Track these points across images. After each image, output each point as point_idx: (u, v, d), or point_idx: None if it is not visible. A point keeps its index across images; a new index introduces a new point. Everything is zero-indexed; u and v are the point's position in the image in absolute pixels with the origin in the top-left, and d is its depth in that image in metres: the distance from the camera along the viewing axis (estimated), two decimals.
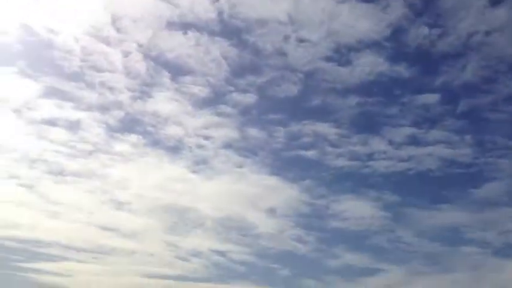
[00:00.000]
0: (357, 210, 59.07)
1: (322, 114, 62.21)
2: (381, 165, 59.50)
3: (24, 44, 58.92)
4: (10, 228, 57.71)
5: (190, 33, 61.83)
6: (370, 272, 57.39)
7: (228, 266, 60.00)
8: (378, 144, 60.06)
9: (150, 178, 61.65)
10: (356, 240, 59.55)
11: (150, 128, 61.79)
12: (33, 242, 58.45)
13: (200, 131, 61.79)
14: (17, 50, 58.84)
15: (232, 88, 62.31)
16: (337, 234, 59.88)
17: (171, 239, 61.43)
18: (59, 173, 59.40)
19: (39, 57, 60.76)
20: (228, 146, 61.74)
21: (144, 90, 61.43)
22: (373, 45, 60.12)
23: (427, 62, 60.19)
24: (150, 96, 61.61)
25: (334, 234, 60.09)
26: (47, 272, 59.24)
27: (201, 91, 61.52)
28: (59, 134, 59.53)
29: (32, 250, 58.39)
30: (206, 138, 61.84)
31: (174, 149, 61.70)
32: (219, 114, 62.00)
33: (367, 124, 62.32)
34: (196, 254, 60.90)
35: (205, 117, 62.07)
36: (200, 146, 61.55)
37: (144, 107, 61.46)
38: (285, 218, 60.75)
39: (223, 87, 62.45)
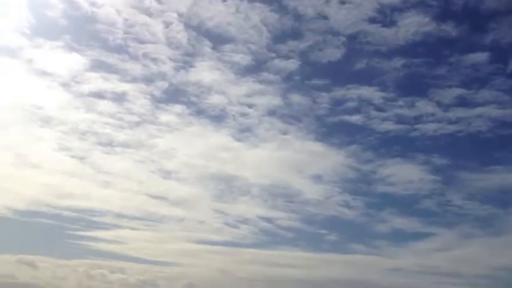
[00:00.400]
0: (405, 174, 58.36)
1: (366, 77, 61.07)
2: (429, 128, 58.41)
3: (68, 18, 59.81)
4: (65, 198, 59.93)
5: (229, 1, 61.35)
6: (420, 236, 57.01)
7: (275, 232, 60.70)
8: (425, 106, 58.82)
9: (195, 147, 62.48)
10: (404, 204, 59.05)
11: (193, 98, 62.20)
12: (88, 211, 60.59)
13: (243, 99, 61.78)
14: (62, 24, 59.84)
15: (273, 55, 61.66)
16: (385, 198, 59.52)
17: (219, 206, 62.32)
18: (108, 144, 60.95)
19: (84, 31, 61.77)
20: (271, 113, 61.72)
21: (186, 60, 61.63)
22: (419, 4, 58.23)
23: (475, 19, 57.84)
24: (192, 66, 61.81)
25: (382, 199, 59.75)
26: (102, 240, 61.47)
27: (242, 59, 61.24)
28: (107, 106, 60.91)
29: (87, 219, 60.52)
30: (249, 106, 61.89)
31: (218, 117, 62.09)
32: (261, 82, 61.70)
33: (413, 86, 60.98)
34: (244, 220, 61.65)
35: (248, 85, 61.85)
36: (244, 114, 61.69)
37: (187, 77, 61.80)
38: (331, 184, 60.69)
39: (265, 54, 61.86)
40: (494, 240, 53.25)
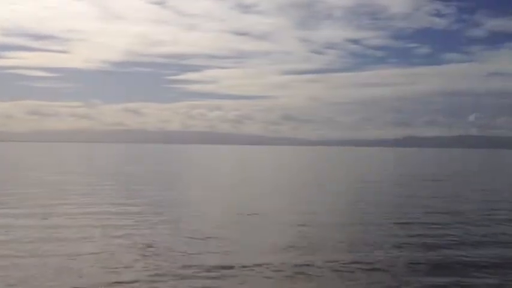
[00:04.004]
0: None
1: None
2: None
3: None
4: (156, 45, 60.85)
5: None
6: None
7: (363, 53, 58.73)
8: None
9: None
10: (500, 3, 48.50)
11: None
12: (178, 55, 61.34)
13: None
14: None
15: None
16: (478, 1, 48.87)
17: (303, 34, 60.11)
18: None
19: None
20: None
21: None
22: None
23: None
24: None
25: (476, 2, 49.67)
26: (196, 82, 62.75)
27: None
28: None
29: (179, 63, 61.30)
30: None
31: None
32: None
33: None
34: (331, 45, 60.11)
35: None
36: None
37: None
38: None
39: None
40: None
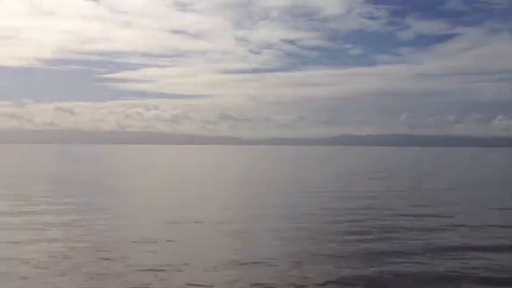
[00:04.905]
0: None
1: None
2: None
3: None
4: (88, 43, 57.37)
5: None
6: (445, 38, 53.55)
7: (299, 53, 58.55)
8: None
9: None
10: (429, 7, 52.28)
11: None
12: (113, 53, 58.37)
13: None
14: None
15: None
16: (408, 4, 52.58)
17: (240, 34, 59.46)
18: None
19: None
20: None
21: None
22: None
23: None
24: None
25: (406, 5, 53.06)
26: (132, 80, 59.51)
27: None
28: None
29: (114, 61, 58.31)
30: None
31: None
32: None
33: None
34: (267, 46, 59.61)
35: None
36: None
37: None
38: None
39: None
40: None
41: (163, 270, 11.68)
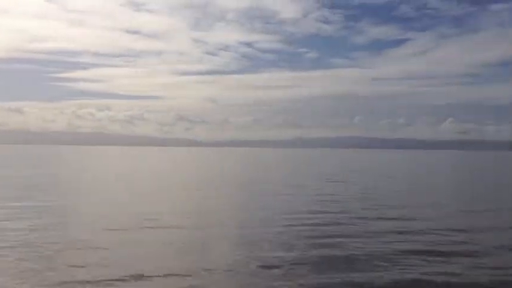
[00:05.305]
0: None
1: None
2: None
3: None
4: (39, 41, 53.21)
5: None
6: (397, 42, 54.68)
7: (256, 56, 57.35)
8: None
9: None
10: (382, 12, 55.00)
11: None
12: (64, 52, 54.44)
13: None
14: None
15: None
16: (363, 9, 54.79)
17: (197, 35, 57.43)
18: None
19: None
20: None
21: None
22: None
23: None
24: None
25: (360, 10, 55.32)
26: (84, 80, 55.92)
27: None
28: None
29: (65, 60, 54.47)
30: None
31: None
32: None
33: None
34: (224, 47, 57.90)
35: None
36: None
37: None
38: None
39: None
40: (469, 38, 53.29)
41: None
